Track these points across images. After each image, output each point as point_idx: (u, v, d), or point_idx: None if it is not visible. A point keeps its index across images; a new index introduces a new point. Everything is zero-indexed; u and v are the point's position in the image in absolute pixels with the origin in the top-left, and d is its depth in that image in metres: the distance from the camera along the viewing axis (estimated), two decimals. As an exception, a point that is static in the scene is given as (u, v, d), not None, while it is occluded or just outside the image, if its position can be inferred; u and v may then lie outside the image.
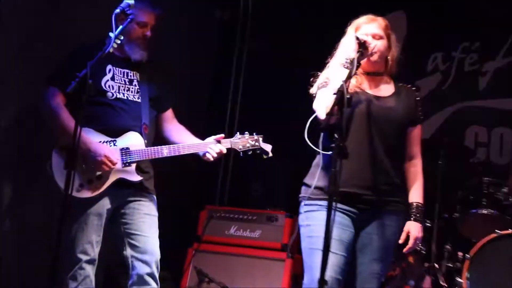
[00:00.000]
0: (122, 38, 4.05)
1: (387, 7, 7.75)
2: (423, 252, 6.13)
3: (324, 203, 3.56)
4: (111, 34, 3.95)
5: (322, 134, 3.69)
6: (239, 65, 8.15)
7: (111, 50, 3.94)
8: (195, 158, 4.56)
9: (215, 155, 4.33)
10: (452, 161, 6.49)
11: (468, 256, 5.45)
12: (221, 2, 8.07)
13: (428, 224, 6.14)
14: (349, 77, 3.43)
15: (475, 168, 6.23)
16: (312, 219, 3.69)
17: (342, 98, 3.22)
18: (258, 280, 5.38)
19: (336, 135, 3.21)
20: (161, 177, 5.39)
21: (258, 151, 4.34)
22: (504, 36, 7.73)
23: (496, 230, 5.54)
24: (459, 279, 5.44)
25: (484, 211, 5.88)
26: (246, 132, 4.40)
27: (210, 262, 5.76)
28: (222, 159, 7.72)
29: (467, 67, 7.84)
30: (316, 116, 3.57)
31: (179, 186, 7.05)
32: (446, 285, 5.79)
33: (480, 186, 6.00)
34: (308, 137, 3.49)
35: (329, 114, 3.39)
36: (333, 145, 3.20)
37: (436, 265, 5.95)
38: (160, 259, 5.76)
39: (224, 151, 4.36)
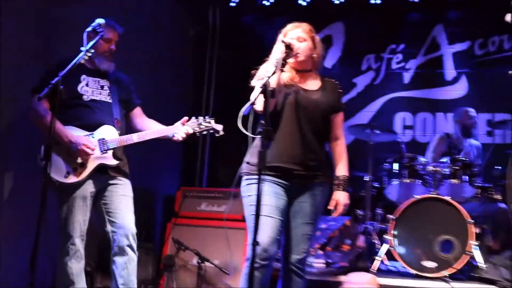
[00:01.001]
0: (92, 51, 4.08)
1: (329, 19, 8.09)
2: (359, 216, 6.13)
3: (257, 177, 3.52)
4: (83, 48, 3.98)
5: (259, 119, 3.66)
6: (210, 70, 8.18)
7: (82, 61, 3.97)
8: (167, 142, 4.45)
9: (183, 135, 4.29)
10: (382, 141, 6.50)
11: (394, 217, 5.43)
12: (194, 19, 8.03)
13: (363, 194, 6.15)
14: (273, 74, 3.40)
15: (398, 146, 6.19)
16: (251, 191, 3.61)
17: (266, 90, 3.19)
18: (224, 246, 5.30)
19: (262, 121, 3.20)
20: (148, 166, 5.46)
21: (211, 131, 4.31)
22: (423, 39, 7.84)
23: (414, 195, 5.57)
24: (387, 237, 5.41)
25: (406, 180, 5.85)
26: (200, 117, 4.36)
27: (185, 234, 5.71)
28: (200, 149, 7.92)
29: (394, 65, 7.95)
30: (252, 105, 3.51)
31: (161, 173, 7.00)
32: (378, 242, 5.77)
33: (403, 160, 5.95)
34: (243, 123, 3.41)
35: (257, 104, 3.39)
36: (260, 129, 3.19)
37: (369, 226, 5.93)
38: (146, 233, 5.81)
39: (190, 131, 4.30)
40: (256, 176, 3.53)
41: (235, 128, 3.72)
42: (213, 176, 7.94)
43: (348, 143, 7.30)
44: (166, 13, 7.10)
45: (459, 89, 7.61)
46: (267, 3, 7.87)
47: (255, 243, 3.16)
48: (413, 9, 7.80)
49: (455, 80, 7.65)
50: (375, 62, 7.95)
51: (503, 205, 5.97)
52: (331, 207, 3.87)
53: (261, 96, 3.31)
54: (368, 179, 6.08)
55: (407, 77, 7.84)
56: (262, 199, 3.36)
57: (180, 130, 4.32)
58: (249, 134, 3.35)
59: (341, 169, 3.93)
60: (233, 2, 8.01)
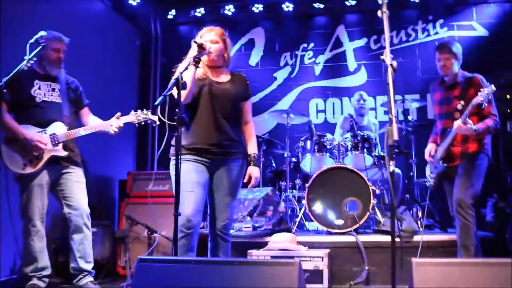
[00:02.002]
0: (34, 59, 4.01)
1: (251, 25, 8.04)
2: (281, 186, 6.05)
3: (183, 158, 3.61)
4: (25, 57, 3.88)
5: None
6: (155, 73, 7.94)
7: (25, 67, 3.90)
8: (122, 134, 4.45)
9: (115, 129, 4.26)
10: (297, 123, 6.42)
11: (308, 185, 5.35)
12: (139, 30, 7.85)
13: (284, 168, 6.07)
14: (185, 69, 3.34)
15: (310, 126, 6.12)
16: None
17: (178, 83, 3.06)
18: (168, 220, 5.16)
19: (177, 110, 3.08)
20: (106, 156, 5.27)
21: (148, 121, 4.23)
22: (328, 38, 7.83)
23: (323, 166, 5.53)
24: (304, 202, 5.35)
25: (317, 154, 5.78)
26: (139, 110, 4.28)
27: (137, 211, 5.56)
28: (150, 138, 7.78)
29: (306, 60, 7.90)
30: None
31: (117, 160, 6.84)
32: (296, 207, 5.70)
33: (313, 138, 5.88)
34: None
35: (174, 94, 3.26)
36: (175, 117, 3.07)
37: (289, 194, 5.86)
38: (104, 212, 5.65)
39: (121, 124, 4.25)
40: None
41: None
42: (162, 160, 7.72)
43: (272, 127, 7.43)
44: (116, 27, 7.12)
45: (360, 78, 7.63)
46: (199, 14, 7.73)
47: (176, 214, 3.09)
48: (319, 14, 7.83)
49: (356, 70, 7.67)
50: (291, 59, 7.90)
51: (397, 170, 5.97)
52: (246, 180, 3.85)
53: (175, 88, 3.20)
54: (287, 155, 5.99)
55: (317, 70, 7.81)
56: (185, 176, 3.43)
57: (114, 123, 4.28)
58: (166, 121, 3.19)
59: (252, 148, 3.91)
60: (171, 14, 7.86)
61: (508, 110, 4.97)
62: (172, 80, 3.12)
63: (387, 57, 3.23)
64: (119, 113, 4.28)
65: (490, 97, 4.03)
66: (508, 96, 5.05)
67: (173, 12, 7.82)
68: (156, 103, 3.07)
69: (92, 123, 4.42)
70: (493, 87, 3.97)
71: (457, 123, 4.10)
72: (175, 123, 3.10)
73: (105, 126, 4.31)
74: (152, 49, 7.94)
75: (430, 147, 4.63)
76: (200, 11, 7.70)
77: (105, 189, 6.48)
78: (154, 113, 4.15)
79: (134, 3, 7.19)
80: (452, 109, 4.40)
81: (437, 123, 4.67)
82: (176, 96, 3.27)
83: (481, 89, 3.99)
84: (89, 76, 5.41)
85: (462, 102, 4.33)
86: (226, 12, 7.65)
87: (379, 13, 3.33)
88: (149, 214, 5.41)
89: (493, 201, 5.26)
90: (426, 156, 4.63)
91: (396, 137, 2.83)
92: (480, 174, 4.32)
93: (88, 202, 4.39)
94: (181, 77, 3.13)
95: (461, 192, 4.26)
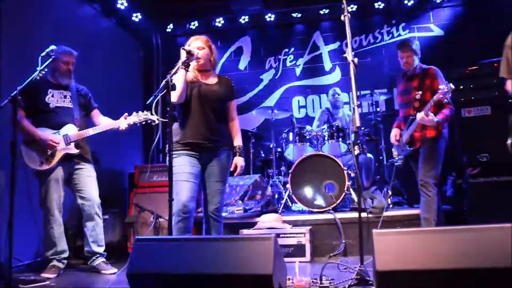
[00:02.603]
0: (46, 70, 3.97)
1: (239, 35, 7.99)
2: (269, 173, 6.03)
3: (177, 152, 3.62)
4: (38, 69, 3.81)
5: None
6: (157, 80, 7.82)
7: (38, 77, 3.82)
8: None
9: (126, 125, 4.23)
10: (280, 118, 6.41)
11: (291, 171, 5.35)
12: (142, 43, 7.81)
13: (271, 158, 6.05)
14: (175, 72, 3.29)
15: (292, 120, 6.11)
16: (174, 162, 3.49)
17: (168, 85, 3.04)
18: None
19: (168, 108, 3.06)
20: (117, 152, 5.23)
21: (149, 121, 4.17)
22: (307, 43, 7.79)
23: (304, 154, 5.51)
24: (288, 186, 5.34)
25: (298, 144, 5.77)
26: (140, 111, 4.26)
27: (144, 199, 5.47)
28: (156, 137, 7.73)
29: (288, 63, 7.84)
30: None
31: (127, 156, 6.84)
32: (282, 191, 5.69)
33: (295, 130, 5.87)
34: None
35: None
36: (167, 115, 3.06)
37: (276, 180, 5.85)
38: (116, 201, 5.63)
39: (131, 122, 4.22)
40: (175, 151, 3.58)
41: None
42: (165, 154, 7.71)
43: (260, 123, 7.40)
44: (121, 41, 7.13)
45: (335, 76, 7.60)
46: (193, 27, 7.71)
47: (170, 200, 3.13)
48: (298, 22, 7.77)
49: (331, 70, 7.64)
50: (275, 62, 7.84)
51: (369, 155, 5.96)
52: (232, 168, 3.84)
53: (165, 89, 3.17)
54: (272, 146, 5.97)
55: (298, 71, 7.76)
56: (181, 168, 3.51)
57: (122, 123, 4.27)
58: (159, 118, 3.18)
59: (237, 141, 3.90)
60: (169, 28, 7.82)
61: (462, 99, 4.95)
62: (163, 83, 3.09)
63: (349, 55, 3.25)
64: (126, 114, 4.27)
65: (449, 95, 4.03)
66: (461, 87, 5.03)
67: (171, 26, 7.77)
68: (147, 102, 3.05)
69: (103, 123, 4.40)
70: (451, 85, 3.96)
71: (420, 115, 4.11)
72: (167, 120, 3.09)
73: (113, 125, 4.29)
74: (154, 59, 7.90)
75: (395, 132, 4.64)
76: (194, 24, 7.67)
77: (117, 181, 6.47)
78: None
79: (137, 19, 7.15)
80: (412, 99, 4.40)
81: (400, 111, 4.67)
82: (172, 99, 3.25)
83: (441, 87, 3.98)
84: (100, 84, 5.46)
85: (420, 92, 4.34)
86: (216, 24, 7.61)
87: (342, 17, 3.34)
88: (154, 202, 5.38)
89: (452, 179, 5.26)
90: (392, 140, 4.64)
91: (358, 123, 2.83)
92: (439, 157, 4.33)
93: (102, 192, 4.39)
94: (171, 79, 3.10)
95: (424, 174, 4.28)
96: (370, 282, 2.86)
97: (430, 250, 2.34)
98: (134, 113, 4.27)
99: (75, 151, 4.25)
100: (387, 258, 2.33)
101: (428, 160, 4.30)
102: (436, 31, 7.14)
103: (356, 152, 2.96)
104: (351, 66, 3.15)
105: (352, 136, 5.80)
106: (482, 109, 4.97)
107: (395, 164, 4.69)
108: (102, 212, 4.38)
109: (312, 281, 3.02)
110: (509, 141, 3.33)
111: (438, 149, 4.33)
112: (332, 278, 3.11)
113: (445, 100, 4.09)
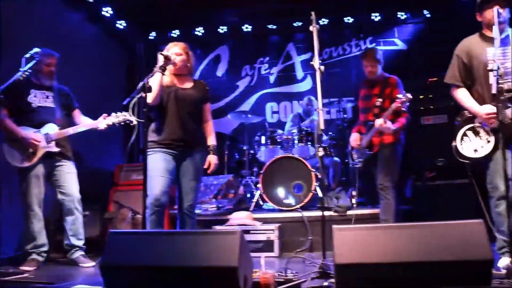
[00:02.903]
0: (29, 71, 3.86)
1: (217, 43, 7.92)
2: (243, 174, 6.01)
3: (154, 150, 3.59)
4: (21, 69, 3.76)
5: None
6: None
7: (21, 77, 3.77)
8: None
9: (105, 125, 4.12)
10: (254, 122, 6.39)
11: (262, 172, 5.34)
12: (127, 51, 7.70)
13: (244, 159, 6.02)
14: (152, 76, 3.28)
15: (264, 124, 6.11)
16: (150, 159, 3.49)
17: (144, 87, 2.99)
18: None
19: (144, 109, 3.02)
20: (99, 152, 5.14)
21: (127, 121, 4.04)
22: (280, 52, 7.79)
23: (275, 156, 5.50)
24: (259, 185, 5.32)
25: (270, 146, 5.77)
26: (119, 112, 4.14)
27: (123, 196, 5.39)
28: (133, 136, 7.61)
29: (263, 71, 7.81)
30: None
31: (108, 155, 6.71)
32: (254, 190, 5.66)
33: (267, 133, 5.87)
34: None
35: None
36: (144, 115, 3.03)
37: (248, 180, 5.82)
38: (94, 198, 5.51)
39: (110, 122, 4.10)
40: (151, 149, 3.55)
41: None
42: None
43: (236, 126, 7.37)
44: (107, 47, 7.00)
45: (306, 84, 7.62)
46: (175, 35, 7.62)
47: (144, 194, 3.07)
48: (273, 33, 7.74)
49: (303, 79, 7.64)
50: (250, 70, 7.81)
51: (336, 158, 5.98)
52: (206, 166, 3.80)
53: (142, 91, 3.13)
54: (246, 148, 5.96)
55: (272, 79, 7.74)
56: (156, 163, 3.48)
57: (101, 123, 4.17)
58: (135, 119, 3.14)
59: (211, 141, 3.86)
60: (152, 36, 7.73)
61: (421, 108, 5.02)
62: (140, 85, 3.05)
63: (315, 62, 3.24)
64: (105, 114, 4.18)
65: (407, 104, 4.06)
66: (421, 97, 5.10)
67: (153, 34, 7.69)
68: (124, 103, 3.00)
69: (83, 123, 4.32)
70: (409, 95, 3.99)
71: (379, 122, 4.13)
72: (143, 120, 3.04)
73: (92, 125, 4.20)
74: (138, 65, 7.77)
75: (355, 136, 4.64)
76: (175, 33, 7.59)
77: (99, 178, 6.31)
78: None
79: (121, 27, 7.06)
80: (372, 105, 4.42)
81: (360, 116, 4.69)
82: (148, 100, 3.21)
83: (399, 96, 4.01)
84: (86, 87, 5.35)
85: (380, 100, 4.36)
86: (196, 33, 7.55)
87: (310, 27, 3.35)
88: (133, 199, 5.29)
89: (412, 181, 5.30)
90: (353, 144, 4.64)
91: (322, 126, 2.83)
92: (396, 162, 4.35)
93: (84, 189, 4.31)
94: (147, 82, 3.06)
95: (382, 178, 4.31)
96: (331, 275, 2.86)
97: (386, 245, 2.35)
98: (113, 114, 4.18)
99: (55, 149, 4.16)
100: (345, 252, 2.33)
101: (387, 165, 4.32)
102: (400, 45, 7.22)
103: (321, 153, 2.96)
104: (317, 73, 3.16)
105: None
106: (440, 117, 5.06)
107: (356, 166, 4.70)
108: (83, 208, 4.31)
109: (278, 274, 3.00)
110: (453, 144, 3.34)
111: (395, 155, 4.35)
112: (296, 271, 3.11)
113: (403, 109, 4.11)
